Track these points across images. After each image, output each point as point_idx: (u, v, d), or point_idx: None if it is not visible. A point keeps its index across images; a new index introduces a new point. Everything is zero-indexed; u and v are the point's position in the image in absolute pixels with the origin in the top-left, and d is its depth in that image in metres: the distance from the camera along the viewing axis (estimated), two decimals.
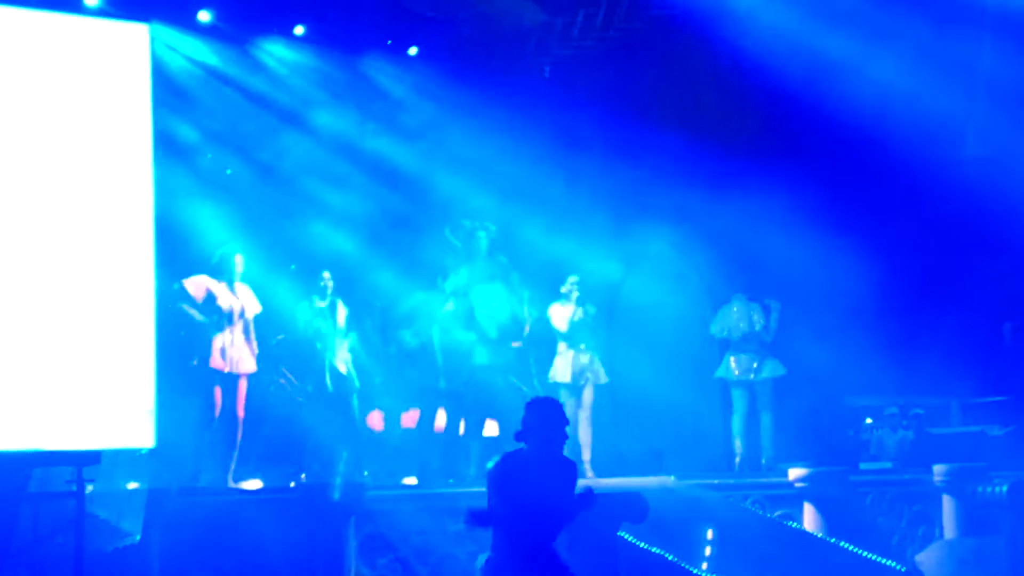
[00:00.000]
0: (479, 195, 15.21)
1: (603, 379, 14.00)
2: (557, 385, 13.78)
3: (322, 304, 13.00)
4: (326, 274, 13.18)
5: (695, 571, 10.59)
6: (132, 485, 11.06)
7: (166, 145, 13.30)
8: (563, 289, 13.99)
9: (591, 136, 15.68)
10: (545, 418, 8.01)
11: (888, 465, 15.48)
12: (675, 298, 16.36)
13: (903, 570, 11.94)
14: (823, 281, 15.63)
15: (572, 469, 8.09)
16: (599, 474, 13.47)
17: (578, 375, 13.84)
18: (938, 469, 13.84)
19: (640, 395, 15.27)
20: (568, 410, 13.64)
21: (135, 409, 9.57)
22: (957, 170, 15.22)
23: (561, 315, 13.88)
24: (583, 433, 13.77)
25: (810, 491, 13.19)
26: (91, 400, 9.01)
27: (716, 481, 13.32)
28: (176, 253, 12.94)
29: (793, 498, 13.22)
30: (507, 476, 7.96)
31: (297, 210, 14.96)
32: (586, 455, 13.67)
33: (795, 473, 13.32)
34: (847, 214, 15.76)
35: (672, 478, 13.21)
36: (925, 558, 13.27)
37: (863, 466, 15.25)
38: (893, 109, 15.24)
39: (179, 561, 10.59)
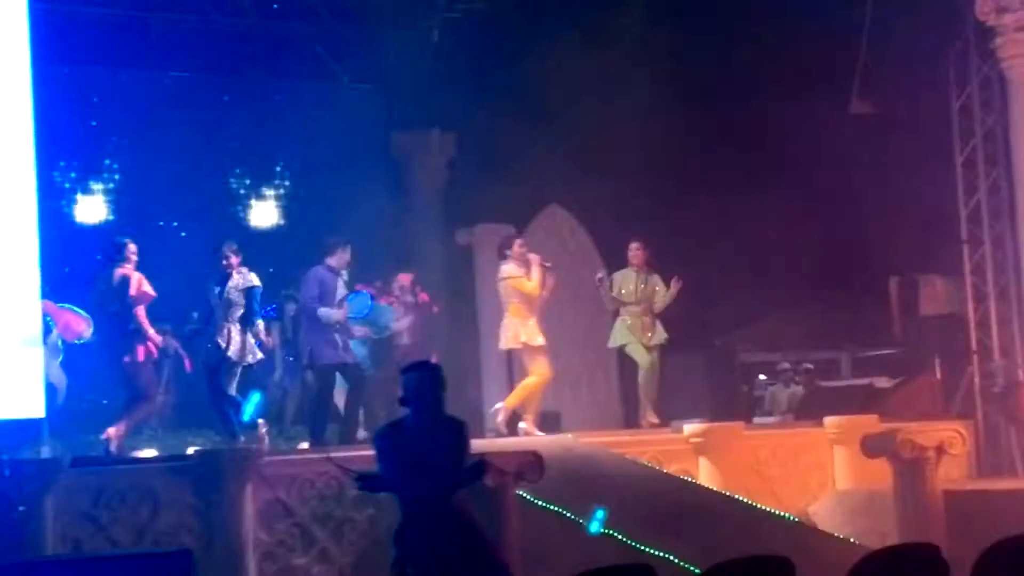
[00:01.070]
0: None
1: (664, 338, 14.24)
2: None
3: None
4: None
5: (592, 528, 10.66)
6: (24, 455, 10.92)
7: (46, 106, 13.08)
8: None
9: (480, 102, 15.65)
10: (421, 384, 8.09)
11: (781, 419, 15.72)
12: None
13: (796, 521, 12.12)
14: (718, 240, 15.78)
15: (460, 428, 8.16)
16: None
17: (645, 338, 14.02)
18: (829, 422, 14.07)
19: None
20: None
21: (25, 379, 9.45)
22: (846, 126, 15.41)
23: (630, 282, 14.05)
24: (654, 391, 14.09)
25: (705, 446, 13.35)
26: None
27: (613, 438, 13.41)
28: (59, 215, 12.79)
29: (689, 453, 13.37)
30: (393, 444, 8.04)
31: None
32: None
33: (690, 429, 13.46)
34: (738, 171, 15.92)
35: (570, 436, 13.29)
36: (818, 509, 13.49)
37: (757, 420, 15.47)
38: (780, 64, 15.40)
39: (72, 531, 10.49)
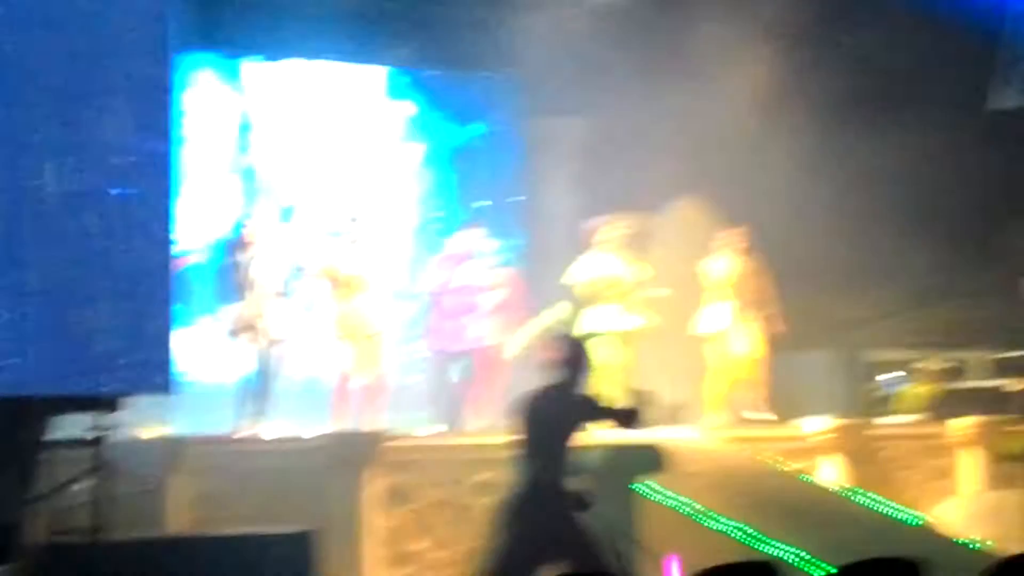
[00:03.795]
0: None
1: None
2: None
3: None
4: None
5: (713, 525, 10.58)
6: (150, 432, 11.07)
7: None
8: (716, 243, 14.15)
9: (615, 89, 15.49)
10: (575, 357, 8.13)
11: (906, 419, 15.45)
12: None
13: (921, 524, 11.90)
14: (841, 237, 15.54)
15: (590, 404, 8.20)
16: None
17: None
18: (956, 423, 13.80)
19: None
20: None
21: (153, 357, 9.57)
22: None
23: (714, 267, 14.07)
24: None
25: (828, 444, 13.16)
26: (110, 347, 9.00)
27: (733, 433, 13.28)
28: None
29: (811, 451, 13.19)
30: (526, 411, 8.08)
31: None
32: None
33: (813, 427, 13.28)
34: (870, 169, 15.62)
35: (692, 429, 13.17)
36: (944, 512, 13.24)
37: (880, 420, 15.21)
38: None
39: (197, 509, 10.63)
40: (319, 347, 13.52)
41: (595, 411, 8.33)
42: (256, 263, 12.43)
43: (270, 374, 12.37)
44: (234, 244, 12.59)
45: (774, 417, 13.79)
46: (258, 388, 12.31)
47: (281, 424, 12.42)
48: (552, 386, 8.27)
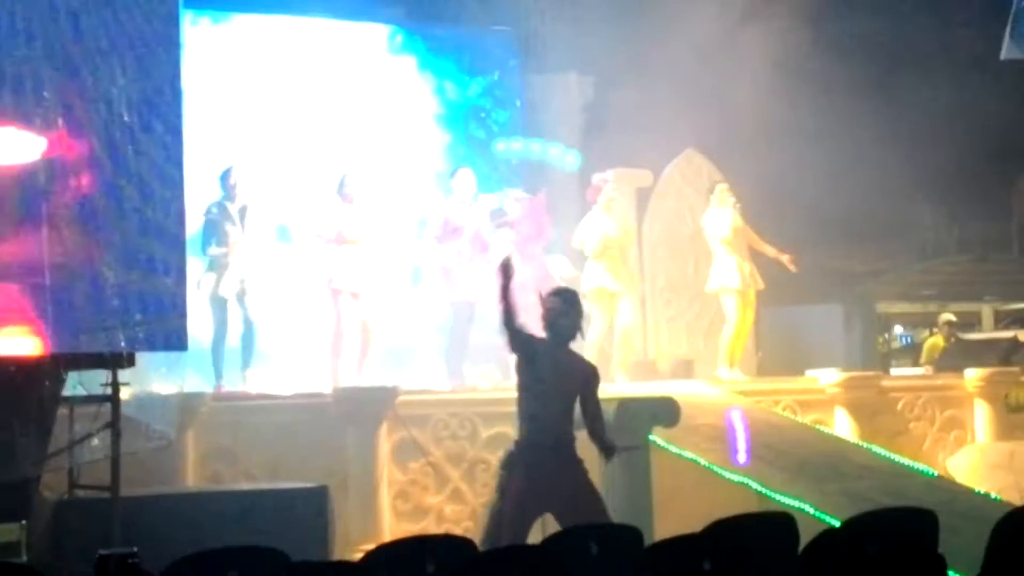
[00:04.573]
0: None
1: (760, 285, 13.93)
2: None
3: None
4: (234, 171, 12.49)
5: (726, 475, 10.61)
6: (165, 388, 11.10)
7: None
8: (715, 197, 14.00)
9: (618, 46, 15.46)
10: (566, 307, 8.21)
11: (920, 370, 15.47)
12: None
13: (934, 475, 11.92)
14: (856, 189, 15.51)
15: (588, 369, 8.30)
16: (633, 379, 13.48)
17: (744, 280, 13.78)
18: (971, 374, 13.81)
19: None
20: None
21: (167, 313, 9.60)
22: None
23: (722, 222, 13.85)
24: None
25: (842, 396, 13.17)
26: (126, 304, 9.03)
27: (747, 387, 13.29)
28: None
29: (825, 403, 13.20)
30: (534, 354, 8.14)
31: None
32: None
33: (828, 378, 13.28)
34: (877, 123, 15.58)
35: (703, 383, 13.20)
36: (957, 463, 13.27)
37: (895, 371, 15.22)
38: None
39: (212, 464, 10.68)
40: (312, 302, 13.44)
41: (592, 403, 8.34)
42: (246, 218, 12.30)
43: (255, 330, 12.33)
44: (222, 199, 12.36)
45: (746, 378, 13.77)
46: (246, 344, 12.25)
47: (283, 380, 12.43)
48: (558, 339, 8.26)
